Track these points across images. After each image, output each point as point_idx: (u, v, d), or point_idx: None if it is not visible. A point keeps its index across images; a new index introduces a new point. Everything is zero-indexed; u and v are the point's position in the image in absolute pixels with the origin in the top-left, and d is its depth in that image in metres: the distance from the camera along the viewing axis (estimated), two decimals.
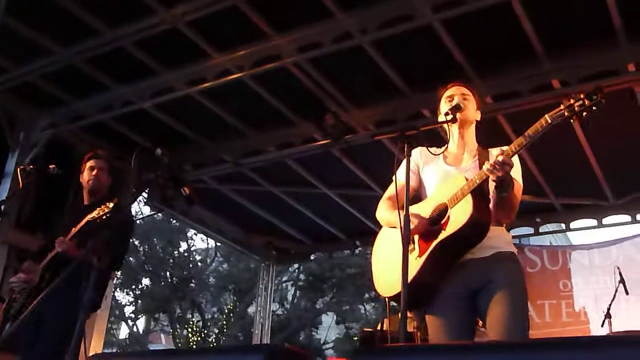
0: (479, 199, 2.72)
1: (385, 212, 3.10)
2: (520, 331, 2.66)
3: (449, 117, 2.94)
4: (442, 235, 2.76)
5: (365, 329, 5.53)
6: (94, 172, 4.17)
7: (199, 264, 23.77)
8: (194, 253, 23.71)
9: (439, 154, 3.07)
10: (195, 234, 22.31)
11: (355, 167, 7.14)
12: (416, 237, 2.89)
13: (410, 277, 2.65)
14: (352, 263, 20.05)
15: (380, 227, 3.20)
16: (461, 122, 3.02)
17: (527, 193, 7.19)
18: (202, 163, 7.22)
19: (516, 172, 2.83)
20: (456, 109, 2.96)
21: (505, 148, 2.81)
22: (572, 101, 2.45)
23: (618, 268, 6.12)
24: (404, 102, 5.88)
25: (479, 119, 3.14)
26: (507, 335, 2.61)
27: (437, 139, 3.14)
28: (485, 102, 5.44)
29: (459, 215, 2.72)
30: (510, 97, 5.41)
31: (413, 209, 2.92)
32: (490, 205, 2.80)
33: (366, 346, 5.24)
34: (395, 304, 2.88)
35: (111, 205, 3.73)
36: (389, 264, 2.96)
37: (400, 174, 2.86)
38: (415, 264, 2.82)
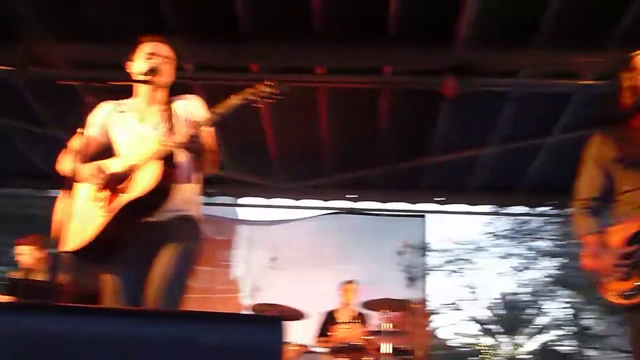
0: (165, 165, 2.77)
1: (68, 164, 2.94)
2: (177, 292, 2.77)
3: (144, 78, 2.91)
4: (127, 197, 2.77)
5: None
6: None
7: None
8: None
9: (126, 112, 3.02)
10: None
11: (38, 103, 6.56)
12: (105, 195, 2.86)
13: (92, 233, 2.78)
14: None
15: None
16: (155, 85, 3.02)
17: None
18: None
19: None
20: (152, 71, 2.94)
21: (190, 100, 2.96)
22: (261, 87, 2.63)
23: (273, 246, 6.71)
24: (106, 47, 5.57)
25: (172, 80, 3.15)
26: (161, 292, 2.70)
27: (127, 90, 3.08)
28: (185, 68, 5.50)
29: (145, 180, 2.75)
30: (211, 70, 5.53)
31: (103, 163, 2.91)
32: (178, 170, 2.86)
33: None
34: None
35: None
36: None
37: (93, 128, 2.86)
38: (99, 221, 2.80)
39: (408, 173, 7.74)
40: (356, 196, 8.30)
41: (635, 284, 2.60)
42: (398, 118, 6.42)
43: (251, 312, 6.24)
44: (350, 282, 7.20)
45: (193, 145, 2.69)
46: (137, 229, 2.85)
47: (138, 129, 3.01)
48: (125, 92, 3.13)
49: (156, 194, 2.74)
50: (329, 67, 5.52)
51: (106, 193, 2.86)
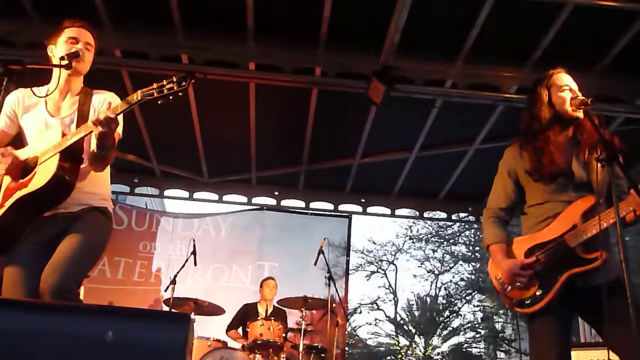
0: (66, 159, 2.68)
1: None
2: (73, 273, 2.69)
3: (64, 62, 2.82)
4: (24, 191, 2.69)
5: None
6: None
7: None
8: None
9: (41, 97, 2.93)
10: None
11: None
12: (4, 186, 2.79)
13: None
14: None
15: None
16: (74, 71, 2.92)
17: (131, 153, 7.36)
18: None
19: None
20: (74, 56, 2.85)
21: (109, 96, 2.91)
22: (164, 82, 2.52)
23: (194, 240, 6.63)
24: (30, 26, 5.36)
25: (88, 68, 3.05)
26: (59, 271, 2.63)
27: (42, 74, 2.98)
28: (113, 54, 5.37)
29: (43, 174, 2.67)
30: (139, 57, 5.42)
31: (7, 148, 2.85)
32: (83, 165, 2.79)
33: None
34: None
35: None
36: None
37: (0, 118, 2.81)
38: None
39: (333, 174, 7.83)
40: (280, 194, 8.33)
41: (536, 293, 2.74)
42: (326, 119, 6.49)
43: (166, 306, 6.15)
44: (269, 278, 7.22)
45: (105, 127, 2.55)
46: (37, 221, 2.77)
47: (47, 118, 2.92)
48: (44, 76, 3.03)
49: (53, 188, 2.64)
50: (259, 63, 5.51)
51: (8, 183, 2.78)
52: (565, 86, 2.96)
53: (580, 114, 2.89)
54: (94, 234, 2.82)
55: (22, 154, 2.86)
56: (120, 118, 2.83)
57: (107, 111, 2.56)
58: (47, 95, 2.92)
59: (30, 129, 2.95)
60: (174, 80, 2.50)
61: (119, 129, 2.91)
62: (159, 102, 2.53)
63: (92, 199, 2.89)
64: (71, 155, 2.69)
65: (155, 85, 2.51)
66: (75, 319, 1.44)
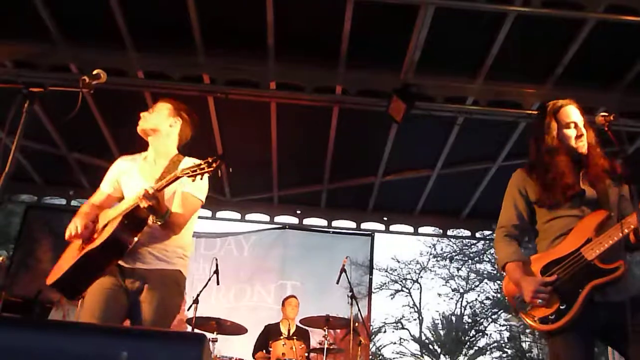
0: (126, 221, 2.95)
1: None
2: None
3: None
4: (90, 245, 2.97)
5: None
6: None
7: None
8: None
9: (136, 164, 3.28)
10: None
11: None
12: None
13: (64, 270, 3.02)
14: None
15: None
16: (143, 132, 3.28)
17: None
18: None
19: (196, 189, 3.15)
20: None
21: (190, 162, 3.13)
22: (201, 163, 2.77)
23: (216, 259, 6.62)
24: (53, 49, 5.44)
25: (171, 125, 3.37)
26: None
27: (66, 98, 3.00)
28: (136, 76, 5.44)
29: (106, 232, 2.96)
30: (161, 77, 5.48)
31: (108, 210, 3.21)
32: (140, 228, 3.02)
33: None
34: None
35: None
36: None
37: (106, 183, 3.31)
38: (72, 261, 3.02)
39: (355, 192, 7.81)
40: (302, 212, 8.33)
41: (560, 307, 2.67)
42: (347, 137, 6.49)
43: (189, 325, 6.14)
44: (291, 297, 7.18)
45: (146, 202, 2.80)
46: (128, 271, 3.04)
47: (138, 182, 3.16)
48: (69, 100, 3.06)
49: (109, 246, 2.90)
50: (280, 83, 5.54)
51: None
52: (572, 123, 2.92)
53: (585, 149, 2.86)
54: (164, 307, 3.05)
55: (110, 213, 3.15)
56: (202, 186, 3.17)
57: (149, 187, 2.82)
58: (140, 162, 3.29)
59: (126, 192, 3.27)
60: (209, 161, 2.74)
61: (201, 196, 3.20)
62: (193, 180, 2.81)
63: (167, 256, 3.13)
64: (131, 218, 2.96)
65: (195, 168, 2.76)
66: (90, 339, 1.44)
